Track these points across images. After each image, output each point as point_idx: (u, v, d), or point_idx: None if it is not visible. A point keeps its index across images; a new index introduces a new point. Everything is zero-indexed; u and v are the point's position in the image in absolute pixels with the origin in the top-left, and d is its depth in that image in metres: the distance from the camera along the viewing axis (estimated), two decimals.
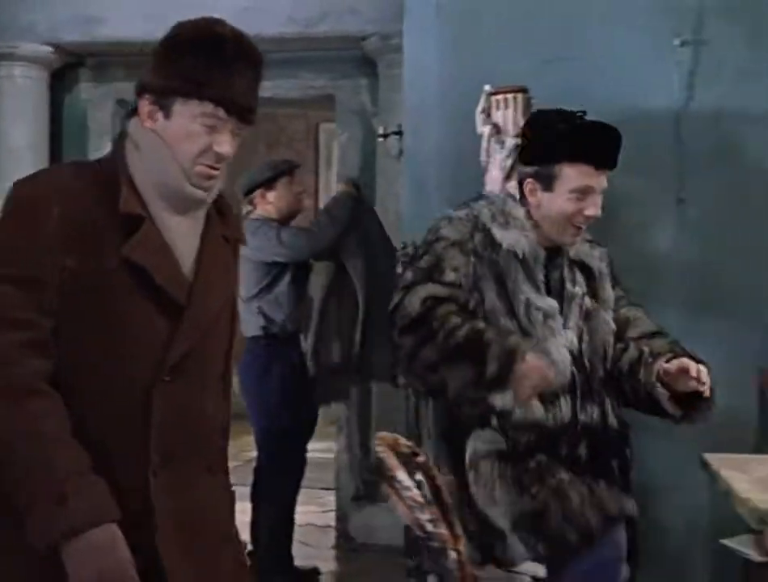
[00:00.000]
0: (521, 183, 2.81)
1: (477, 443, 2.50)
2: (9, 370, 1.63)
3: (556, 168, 2.70)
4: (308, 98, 5.46)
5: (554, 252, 2.79)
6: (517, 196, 2.83)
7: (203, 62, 1.76)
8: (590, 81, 3.74)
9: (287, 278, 4.25)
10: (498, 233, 2.71)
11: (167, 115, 1.78)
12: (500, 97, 3.62)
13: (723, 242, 3.71)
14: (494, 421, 2.53)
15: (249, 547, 4.21)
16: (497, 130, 3.64)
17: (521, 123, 3.62)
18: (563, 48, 3.77)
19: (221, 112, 1.75)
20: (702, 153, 3.72)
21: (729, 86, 3.69)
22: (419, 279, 2.62)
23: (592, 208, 2.72)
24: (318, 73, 5.39)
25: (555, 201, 2.71)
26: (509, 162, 3.60)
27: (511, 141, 3.60)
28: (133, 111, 1.83)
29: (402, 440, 2.12)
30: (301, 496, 4.38)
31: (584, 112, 2.76)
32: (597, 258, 2.93)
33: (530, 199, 2.76)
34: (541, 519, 2.38)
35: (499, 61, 3.80)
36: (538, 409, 2.55)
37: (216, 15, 5.45)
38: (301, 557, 4.31)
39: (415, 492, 1.90)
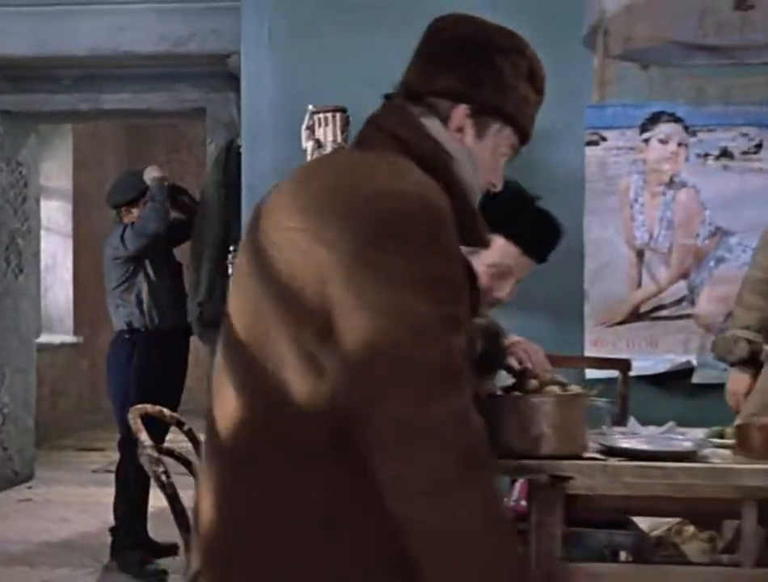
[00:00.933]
0: None
1: None
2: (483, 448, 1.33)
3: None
4: (182, 110, 5.84)
5: None
6: None
7: (535, 98, 1.65)
8: None
9: (142, 274, 4.63)
10: None
11: (480, 135, 1.62)
12: (321, 115, 4.08)
13: None
14: None
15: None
16: (319, 145, 4.10)
17: (339, 138, 4.09)
18: (381, 72, 4.19)
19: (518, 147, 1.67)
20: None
21: (650, 88, 4.06)
22: None
23: (502, 292, 2.41)
24: (192, 88, 5.77)
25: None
26: None
27: None
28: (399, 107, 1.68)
29: (166, 411, 2.52)
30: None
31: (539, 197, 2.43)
32: None
33: None
34: None
35: (325, 83, 4.25)
36: None
37: (92, 33, 5.76)
38: (166, 536, 4.60)
39: (150, 450, 2.29)
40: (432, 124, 1.60)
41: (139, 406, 2.45)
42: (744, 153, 4.04)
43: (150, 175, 4.69)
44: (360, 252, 1.34)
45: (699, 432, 2.37)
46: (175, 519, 2.27)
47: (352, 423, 1.32)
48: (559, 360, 3.86)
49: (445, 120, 1.61)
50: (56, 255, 8.48)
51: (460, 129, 1.61)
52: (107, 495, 4.77)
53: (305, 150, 4.09)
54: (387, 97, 1.75)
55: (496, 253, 2.31)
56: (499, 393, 2.10)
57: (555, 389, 2.08)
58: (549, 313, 4.15)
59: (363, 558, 1.39)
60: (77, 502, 5.79)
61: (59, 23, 5.45)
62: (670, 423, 2.36)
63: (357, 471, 1.35)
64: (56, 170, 8.45)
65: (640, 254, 4.11)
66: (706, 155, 4.06)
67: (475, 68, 1.62)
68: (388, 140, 1.59)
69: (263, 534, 1.42)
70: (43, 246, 8.30)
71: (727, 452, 2.16)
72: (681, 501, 2.26)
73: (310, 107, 4.07)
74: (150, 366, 4.61)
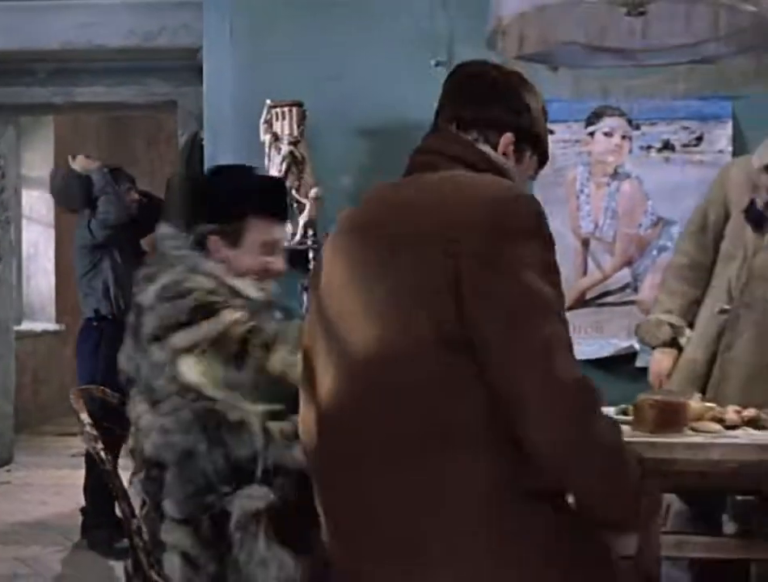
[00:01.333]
0: (201, 239, 2.49)
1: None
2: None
3: (243, 222, 2.50)
4: (154, 103, 5.99)
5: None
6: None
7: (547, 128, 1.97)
8: (358, 97, 4.36)
9: (108, 262, 4.78)
10: (238, 282, 2.50)
11: (518, 160, 1.90)
12: (278, 110, 4.23)
13: None
14: None
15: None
16: (276, 138, 4.25)
17: (295, 132, 4.24)
18: (337, 69, 4.37)
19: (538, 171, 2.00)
20: None
21: (560, 88, 4.23)
22: None
23: (280, 263, 2.57)
24: (164, 81, 5.91)
25: (242, 258, 2.50)
26: (284, 166, 4.22)
27: (286, 148, 4.21)
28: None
29: (108, 391, 2.66)
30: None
31: (280, 179, 2.76)
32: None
33: (215, 256, 2.49)
34: None
35: (283, 78, 4.40)
36: None
37: (64, 28, 5.90)
38: None
39: (89, 428, 2.44)
40: (488, 150, 1.85)
41: (83, 387, 2.60)
42: (685, 145, 4.20)
43: (85, 166, 4.83)
44: (496, 245, 1.62)
45: (609, 410, 2.52)
46: (114, 493, 2.43)
47: (505, 398, 1.56)
48: None
49: (494, 146, 1.86)
50: (38, 244, 8.64)
51: (505, 154, 1.85)
52: (82, 477, 4.93)
53: (263, 143, 4.26)
54: (433, 129, 1.94)
55: (258, 234, 2.49)
56: None
57: None
58: None
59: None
60: (54, 485, 5.96)
61: (32, 17, 5.59)
62: None
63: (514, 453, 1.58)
64: (38, 160, 8.60)
65: (586, 243, 4.27)
66: (649, 148, 4.22)
67: (512, 101, 1.87)
68: (455, 164, 1.81)
69: (452, 518, 1.60)
70: (25, 235, 8.48)
71: (627, 427, 2.32)
72: None
73: (268, 101, 4.22)
74: (117, 354, 4.75)
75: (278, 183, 2.81)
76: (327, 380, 1.75)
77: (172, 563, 2.33)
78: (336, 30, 4.39)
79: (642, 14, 2.18)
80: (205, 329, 2.32)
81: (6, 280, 6.67)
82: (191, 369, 2.33)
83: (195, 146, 4.83)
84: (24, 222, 8.46)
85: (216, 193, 2.56)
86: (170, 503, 2.38)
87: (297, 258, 4.15)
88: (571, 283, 4.25)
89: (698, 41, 2.32)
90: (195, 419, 2.37)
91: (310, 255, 4.14)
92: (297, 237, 4.18)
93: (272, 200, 2.60)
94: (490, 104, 1.86)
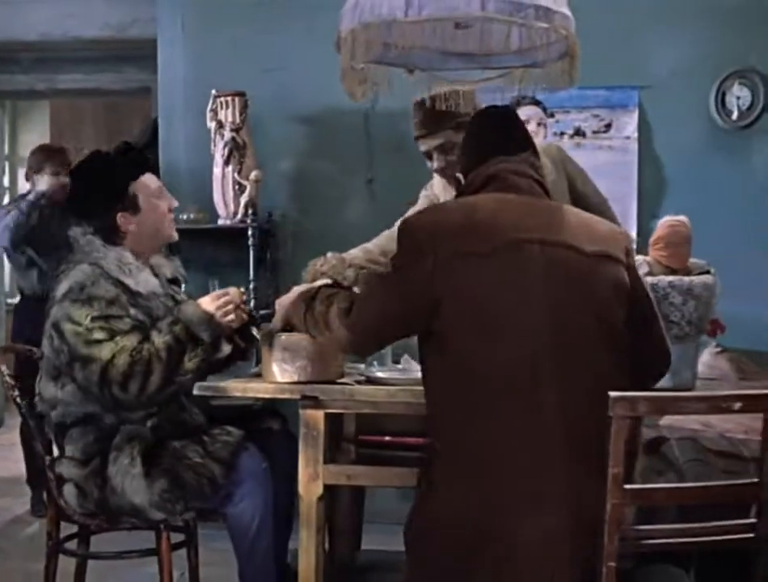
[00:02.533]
0: (113, 227, 2.89)
1: None
2: None
3: (130, 189, 2.90)
4: (129, 90, 6.38)
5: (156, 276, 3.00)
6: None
7: None
8: (298, 86, 4.73)
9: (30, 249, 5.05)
10: (131, 282, 2.85)
11: None
12: (222, 99, 4.61)
13: (403, 212, 4.69)
14: None
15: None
16: (220, 126, 4.63)
17: (238, 119, 4.62)
18: (279, 61, 4.75)
19: None
20: (385, 144, 4.72)
21: (407, 91, 4.66)
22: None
23: (172, 200, 3.00)
24: (138, 69, 6.29)
25: (148, 215, 2.91)
26: (227, 150, 4.60)
27: (228, 134, 4.60)
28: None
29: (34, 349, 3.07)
30: None
31: (127, 142, 3.23)
32: (181, 266, 3.19)
33: (129, 228, 2.89)
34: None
35: (229, 69, 4.79)
36: None
37: (43, 20, 6.25)
38: None
39: (8, 378, 2.87)
40: None
41: (9, 345, 3.02)
42: (596, 132, 4.56)
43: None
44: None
45: None
46: (29, 433, 2.86)
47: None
48: None
49: None
50: None
51: None
52: None
53: (210, 129, 4.64)
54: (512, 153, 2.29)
55: (146, 190, 2.92)
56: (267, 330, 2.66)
57: None
58: None
59: None
60: None
61: (12, 10, 5.99)
62: None
63: None
64: (34, 141, 9.01)
65: None
66: (562, 134, 4.58)
67: None
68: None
69: None
70: None
71: None
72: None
73: (213, 91, 4.61)
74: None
75: (129, 145, 3.10)
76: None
77: (69, 493, 2.77)
78: (279, 25, 4.76)
79: (467, 27, 2.56)
80: (102, 351, 2.70)
81: None
82: (82, 376, 2.73)
83: (155, 132, 5.21)
84: None
85: (100, 181, 2.94)
86: (72, 448, 2.81)
87: (238, 236, 4.57)
88: None
89: (528, 48, 2.68)
90: (87, 392, 2.79)
91: (249, 232, 4.51)
92: (239, 216, 4.57)
93: (136, 160, 3.01)
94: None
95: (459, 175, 2.34)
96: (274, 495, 2.83)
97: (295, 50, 4.74)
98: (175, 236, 3.06)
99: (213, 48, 4.85)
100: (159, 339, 2.74)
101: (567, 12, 2.48)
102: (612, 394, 1.93)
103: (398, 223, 3.27)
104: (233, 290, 2.90)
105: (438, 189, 3.21)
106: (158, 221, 2.96)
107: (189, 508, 2.79)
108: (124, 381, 2.69)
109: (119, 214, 2.89)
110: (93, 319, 2.73)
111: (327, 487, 2.66)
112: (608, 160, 4.52)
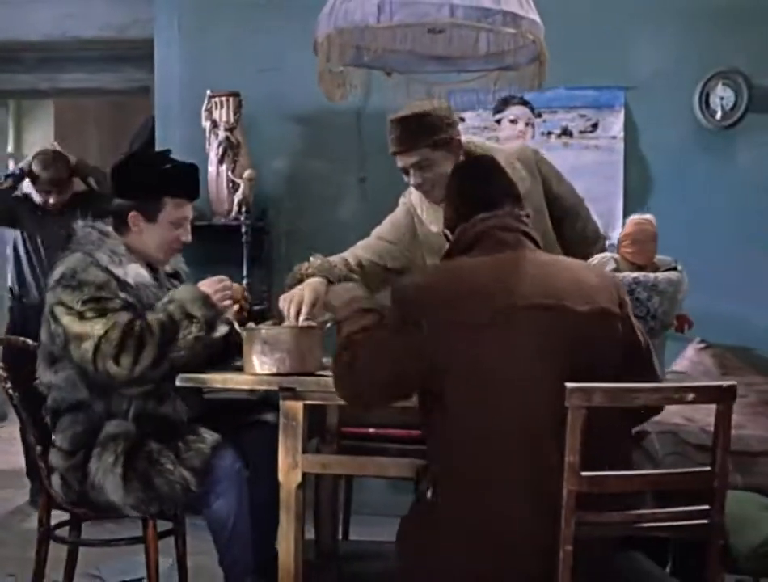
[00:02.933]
0: (122, 215, 2.99)
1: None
2: None
3: (161, 202, 2.97)
4: (129, 89, 6.47)
5: (154, 270, 3.09)
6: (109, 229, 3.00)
7: None
8: (291, 87, 4.82)
9: (9, 249, 5.26)
10: (120, 272, 2.92)
11: None
12: (217, 99, 4.71)
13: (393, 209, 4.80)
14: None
15: None
16: (214, 125, 4.73)
17: (232, 119, 4.72)
18: (273, 61, 4.84)
19: None
20: (377, 143, 4.79)
21: (395, 91, 4.75)
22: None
23: (188, 235, 3.04)
24: (137, 69, 6.39)
25: (157, 231, 2.98)
26: (221, 149, 4.70)
27: (222, 134, 4.70)
28: None
29: (31, 342, 3.18)
30: None
31: (170, 151, 3.14)
32: (182, 262, 3.29)
33: (133, 228, 2.98)
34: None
35: (224, 70, 4.89)
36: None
37: (44, 21, 6.36)
38: None
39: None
40: None
41: (3, 337, 3.11)
42: (582, 132, 4.65)
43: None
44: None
45: None
46: (22, 423, 2.97)
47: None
48: None
49: None
50: None
51: None
52: None
53: (204, 129, 4.74)
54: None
55: (171, 212, 2.97)
56: (251, 326, 2.75)
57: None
58: None
59: None
60: None
61: (15, 11, 6.10)
62: None
63: None
64: (39, 139, 9.13)
65: None
66: (550, 133, 4.67)
67: None
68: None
69: None
70: None
71: None
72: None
73: (208, 91, 4.71)
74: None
75: (191, 169, 3.08)
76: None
77: (56, 482, 2.88)
78: (273, 27, 4.86)
79: (441, 32, 2.65)
80: (94, 326, 2.78)
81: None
82: (77, 354, 2.81)
83: (151, 131, 5.31)
84: None
85: (137, 175, 3.03)
86: (60, 438, 2.91)
87: (232, 233, 4.67)
88: None
89: (500, 52, 2.77)
90: (80, 380, 2.89)
91: (243, 229, 4.61)
92: (232, 214, 4.67)
93: (184, 184, 3.05)
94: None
95: (446, 231, 2.38)
96: (265, 484, 2.89)
97: (288, 51, 4.83)
98: (164, 263, 3.10)
99: (209, 49, 4.95)
100: (152, 317, 2.81)
101: (536, 18, 2.57)
102: (568, 385, 2.02)
103: (377, 230, 3.43)
104: (236, 286, 3.00)
105: (415, 199, 3.27)
106: (160, 243, 3.00)
107: (163, 510, 2.90)
108: (116, 354, 2.74)
109: (134, 212, 2.97)
110: (83, 302, 2.80)
111: (306, 476, 2.76)
112: (594, 159, 4.60)
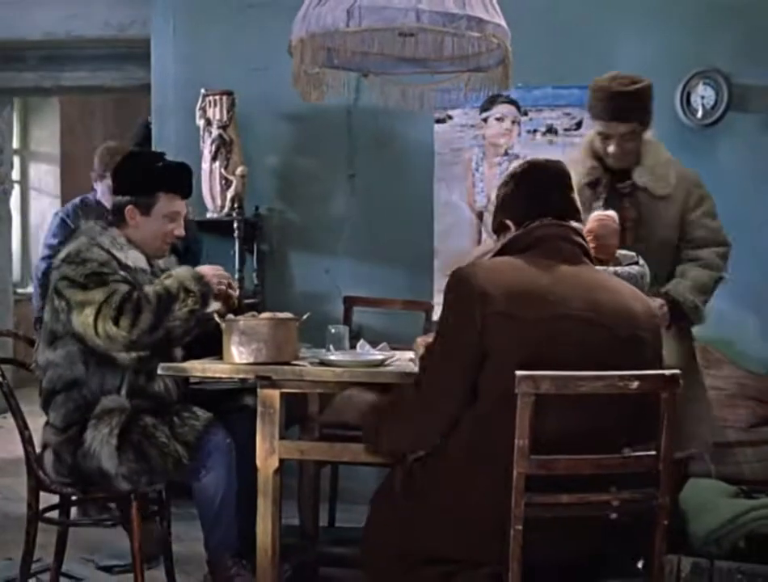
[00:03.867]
0: (120, 210, 3.19)
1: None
2: None
3: (155, 197, 3.16)
4: (131, 87, 6.59)
5: (150, 264, 3.24)
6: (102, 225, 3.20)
7: None
8: (283, 85, 4.81)
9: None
10: (121, 255, 3.12)
11: None
12: (211, 97, 4.83)
13: (384, 206, 4.93)
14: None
15: None
16: (208, 123, 4.85)
17: (225, 118, 4.83)
18: (265, 61, 4.95)
19: None
20: (366, 140, 4.93)
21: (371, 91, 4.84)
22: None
23: (181, 229, 3.23)
24: (138, 67, 6.52)
25: (152, 223, 3.17)
26: (214, 147, 4.82)
27: (216, 132, 4.81)
28: None
29: (20, 333, 3.30)
30: None
31: (164, 153, 3.37)
32: (176, 263, 3.37)
33: (130, 222, 3.16)
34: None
35: (218, 69, 5.01)
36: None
37: (47, 20, 6.48)
38: None
39: None
40: None
41: (6, 330, 3.24)
42: (567, 129, 4.75)
43: None
44: None
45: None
46: (11, 409, 3.09)
47: None
48: (412, 305, 4.63)
49: None
50: (45, 213, 9.32)
51: None
52: None
53: (199, 127, 4.86)
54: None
55: (164, 206, 3.17)
56: (230, 317, 2.87)
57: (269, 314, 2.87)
58: (404, 266, 4.91)
59: None
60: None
61: (18, 10, 6.23)
62: (383, 344, 3.11)
63: None
64: (45, 136, 9.30)
65: (480, 215, 4.83)
66: (535, 131, 4.77)
67: None
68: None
69: None
70: (33, 205, 9.20)
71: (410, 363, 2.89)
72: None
73: (202, 90, 4.83)
74: None
75: (183, 167, 3.28)
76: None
77: (48, 459, 3.01)
78: (266, 27, 4.97)
79: (411, 35, 2.76)
80: (96, 294, 2.97)
81: (3, 247, 7.36)
82: (79, 321, 2.98)
83: (148, 130, 5.43)
84: (33, 194, 9.18)
85: (133, 172, 3.24)
86: (54, 415, 3.05)
87: (225, 228, 4.79)
88: (468, 250, 4.83)
89: (468, 54, 2.88)
90: (78, 355, 3.04)
91: (235, 225, 4.73)
92: (225, 210, 4.79)
93: (176, 180, 3.25)
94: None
95: (508, 221, 2.43)
96: (246, 468, 2.98)
97: (280, 51, 4.84)
98: (159, 256, 3.27)
99: (203, 49, 5.07)
100: (150, 288, 3.00)
101: (501, 22, 2.67)
102: (517, 373, 2.13)
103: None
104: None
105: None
106: (154, 237, 3.19)
107: (154, 482, 3.04)
108: (116, 317, 2.91)
109: (130, 206, 3.16)
110: (87, 276, 2.99)
111: (283, 462, 2.87)
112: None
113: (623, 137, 3.32)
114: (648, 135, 3.47)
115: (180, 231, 3.24)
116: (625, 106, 3.28)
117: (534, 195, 2.41)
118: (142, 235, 3.18)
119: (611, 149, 3.36)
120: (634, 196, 3.40)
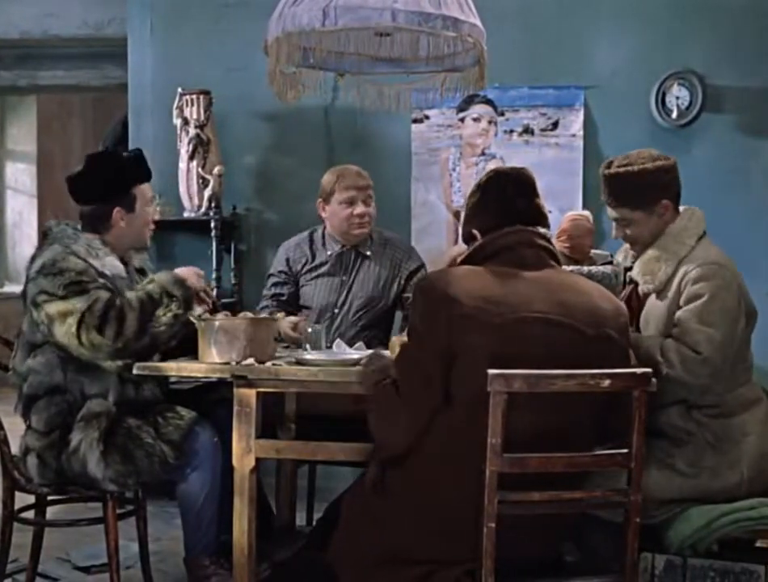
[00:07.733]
0: (105, 216, 3.18)
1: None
2: None
3: (133, 192, 3.21)
4: (107, 86, 6.57)
5: (125, 265, 3.25)
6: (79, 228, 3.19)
7: None
8: (260, 85, 4.78)
9: None
10: (98, 263, 3.10)
11: None
12: (188, 97, 4.82)
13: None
14: None
15: None
16: (186, 122, 4.84)
17: (202, 117, 4.83)
18: (243, 60, 4.95)
19: None
20: (344, 139, 4.94)
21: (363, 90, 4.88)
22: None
23: (155, 214, 3.36)
24: (115, 66, 6.50)
25: (137, 218, 3.22)
26: (191, 146, 4.82)
27: (193, 131, 4.81)
28: None
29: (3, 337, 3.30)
30: None
31: (140, 150, 3.36)
32: (148, 260, 3.51)
33: (120, 223, 3.18)
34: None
35: (195, 69, 5.00)
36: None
37: (23, 19, 6.47)
38: None
39: None
40: None
41: None
42: (543, 130, 4.77)
43: None
44: None
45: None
46: None
47: None
48: None
49: None
50: (22, 212, 9.30)
51: None
52: None
53: (176, 126, 4.86)
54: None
55: (143, 196, 3.24)
56: (206, 317, 2.88)
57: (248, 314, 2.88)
58: None
59: None
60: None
61: None
62: (359, 344, 3.12)
63: None
64: (22, 135, 9.25)
65: (457, 215, 4.84)
66: (512, 132, 4.79)
67: None
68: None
69: None
70: (10, 204, 9.15)
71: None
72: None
73: (179, 89, 4.82)
74: None
75: (140, 154, 3.33)
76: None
77: (31, 462, 3.01)
78: (243, 26, 4.96)
79: (387, 35, 2.77)
80: (77, 302, 2.96)
81: None
82: (62, 331, 2.97)
83: (124, 128, 5.42)
84: (9, 193, 9.13)
85: (106, 177, 3.23)
86: (36, 419, 3.05)
87: (202, 227, 4.79)
88: (444, 249, 4.84)
89: (445, 54, 2.90)
90: (57, 363, 3.05)
91: (212, 224, 4.73)
92: (203, 209, 4.79)
93: (141, 169, 3.31)
94: None
95: (475, 231, 2.44)
96: (225, 462, 3.00)
97: (257, 51, 4.83)
98: (149, 243, 3.35)
99: (180, 49, 5.06)
100: (133, 294, 3.01)
101: (477, 22, 2.69)
102: (489, 371, 2.15)
103: None
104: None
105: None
106: (142, 226, 3.26)
107: (140, 483, 3.04)
108: (100, 325, 2.91)
109: (116, 208, 3.19)
110: (65, 287, 2.98)
111: (259, 461, 2.88)
112: (555, 157, 4.73)
113: (618, 222, 2.99)
114: (677, 222, 2.98)
115: (154, 215, 3.38)
116: (611, 191, 2.95)
117: (500, 203, 2.44)
118: (130, 232, 3.22)
119: (613, 233, 3.07)
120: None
